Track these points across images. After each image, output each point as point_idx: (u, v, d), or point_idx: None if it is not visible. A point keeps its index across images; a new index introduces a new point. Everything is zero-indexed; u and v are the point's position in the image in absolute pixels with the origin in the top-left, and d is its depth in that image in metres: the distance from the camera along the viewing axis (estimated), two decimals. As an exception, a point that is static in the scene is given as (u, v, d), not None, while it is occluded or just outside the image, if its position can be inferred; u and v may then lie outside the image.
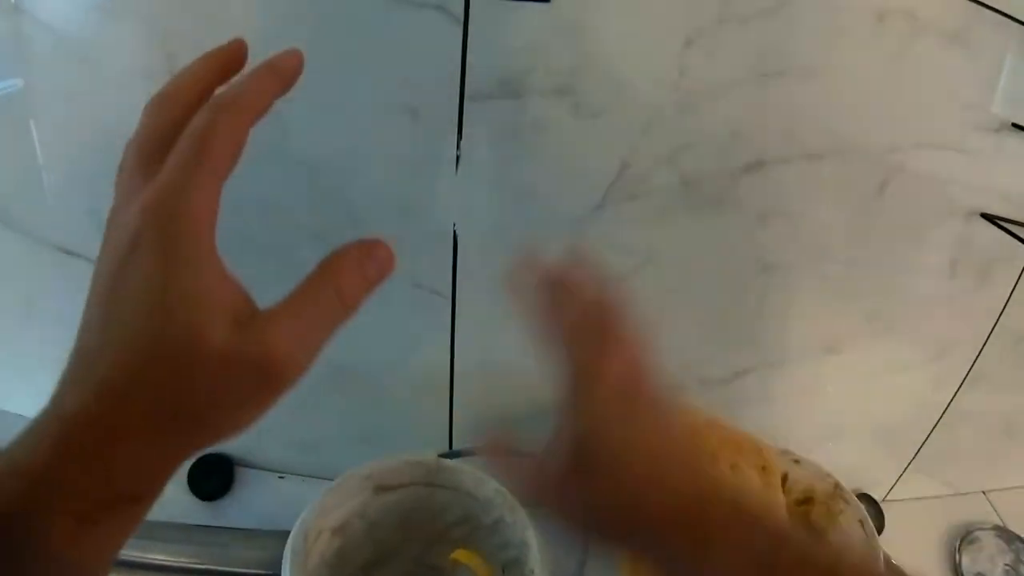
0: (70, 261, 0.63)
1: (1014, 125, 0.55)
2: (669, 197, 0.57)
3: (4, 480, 0.20)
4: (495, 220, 0.59)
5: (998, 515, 0.79)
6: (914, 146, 0.57)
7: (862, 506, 0.64)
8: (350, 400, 0.70)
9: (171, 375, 0.21)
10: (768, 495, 0.58)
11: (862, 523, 0.63)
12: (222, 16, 0.50)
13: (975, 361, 0.71)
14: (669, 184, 0.56)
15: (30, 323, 0.68)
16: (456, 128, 0.54)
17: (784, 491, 0.63)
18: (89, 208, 0.61)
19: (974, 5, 0.51)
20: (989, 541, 0.74)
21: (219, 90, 0.27)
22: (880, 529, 0.74)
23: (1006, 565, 0.72)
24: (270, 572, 0.60)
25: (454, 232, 0.59)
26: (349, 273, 0.25)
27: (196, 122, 0.23)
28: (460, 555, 0.53)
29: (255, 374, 0.22)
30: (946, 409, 0.74)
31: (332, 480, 0.56)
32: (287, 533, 0.53)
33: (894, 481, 0.79)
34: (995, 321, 0.68)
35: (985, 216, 0.60)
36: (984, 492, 0.82)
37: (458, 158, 0.55)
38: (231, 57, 0.28)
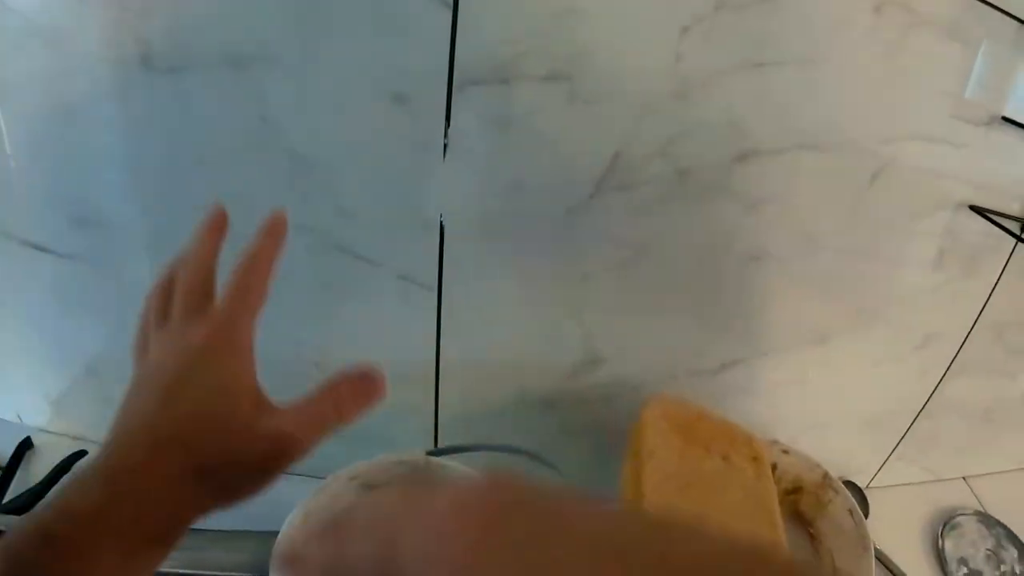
0: (39, 256, 0.60)
1: (1004, 119, 0.55)
2: (662, 187, 0.56)
3: (63, 520, 0.26)
4: (484, 210, 0.57)
5: (978, 500, 0.80)
6: (906, 138, 0.57)
7: (851, 495, 0.64)
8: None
9: (210, 440, 0.30)
10: (760, 485, 0.58)
11: (851, 512, 0.63)
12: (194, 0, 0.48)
13: (959, 351, 0.71)
14: (662, 174, 0.55)
15: (-5, 319, 0.65)
16: (444, 115, 0.52)
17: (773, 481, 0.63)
18: (58, 200, 0.58)
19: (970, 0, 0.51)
20: (971, 526, 0.75)
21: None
22: (865, 515, 0.74)
23: (987, 550, 0.73)
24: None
25: (441, 223, 0.57)
26: (346, 394, 0.33)
27: (234, 278, 0.35)
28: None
29: (269, 445, 0.30)
30: (930, 398, 0.74)
31: (314, 477, 0.54)
32: (268, 534, 0.51)
33: (878, 468, 0.80)
34: (979, 311, 0.68)
35: (973, 208, 0.60)
36: (964, 478, 0.83)
37: (446, 146, 0.53)
38: (218, 222, 0.39)
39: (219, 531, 0.59)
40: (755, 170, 0.56)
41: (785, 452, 0.68)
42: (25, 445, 0.70)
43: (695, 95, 0.52)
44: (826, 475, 0.66)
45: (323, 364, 0.65)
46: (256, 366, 0.34)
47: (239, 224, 0.58)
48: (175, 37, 0.49)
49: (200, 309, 0.34)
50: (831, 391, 0.73)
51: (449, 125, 0.52)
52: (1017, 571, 0.71)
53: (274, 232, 0.38)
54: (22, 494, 0.63)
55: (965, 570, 0.71)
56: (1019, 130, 0.57)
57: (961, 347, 0.71)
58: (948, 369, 0.72)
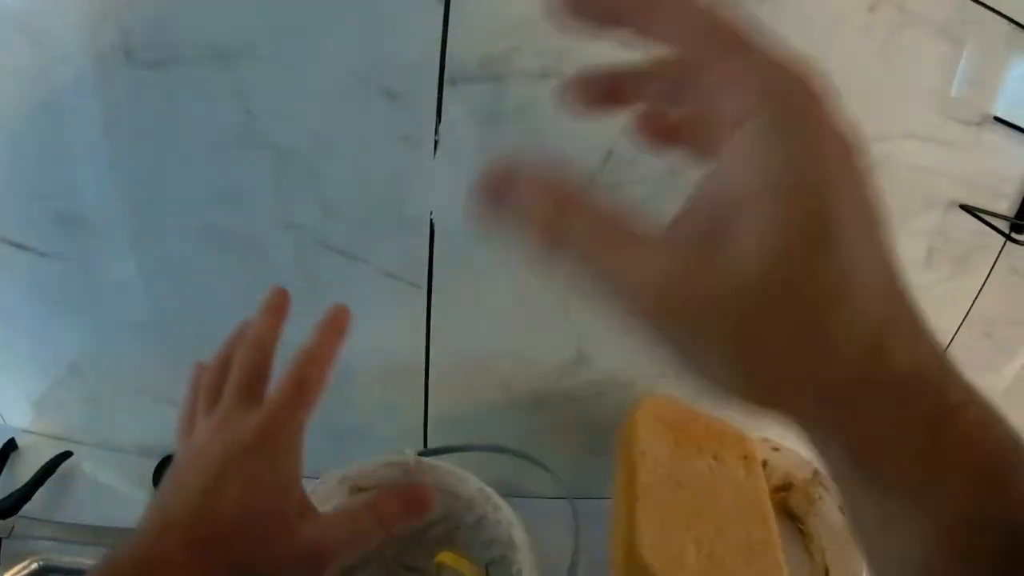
0: (19, 255, 0.58)
1: (996, 119, 0.55)
2: (654, 185, 0.56)
3: None
4: (474, 208, 0.57)
5: None
6: (899, 136, 0.56)
7: (840, 493, 0.65)
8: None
9: (249, 541, 0.29)
10: (751, 484, 0.58)
11: (841, 509, 0.63)
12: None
13: (947, 347, 0.72)
14: (655, 172, 0.55)
15: (-28, 318, 0.64)
16: (435, 111, 0.51)
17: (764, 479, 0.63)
18: (39, 197, 0.56)
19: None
20: (956, 522, 0.76)
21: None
22: (852, 513, 0.75)
23: (973, 545, 0.73)
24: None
25: (431, 221, 0.56)
26: (393, 510, 0.33)
27: (293, 369, 0.34)
28: (445, 558, 0.52)
29: (307, 551, 0.30)
30: (918, 395, 0.75)
31: (304, 477, 0.54)
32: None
33: (865, 465, 0.81)
34: (968, 309, 0.69)
35: (964, 207, 0.60)
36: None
37: (436, 143, 0.52)
38: (279, 304, 0.38)
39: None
40: (747, 168, 0.56)
41: (775, 449, 0.68)
42: (9, 446, 0.68)
43: (688, 93, 0.51)
44: (816, 472, 0.66)
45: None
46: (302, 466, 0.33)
47: (224, 222, 0.57)
48: (158, 30, 0.48)
49: (253, 397, 0.34)
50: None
51: (440, 121, 0.51)
52: (1003, 566, 0.72)
53: (337, 325, 0.37)
54: (8, 496, 0.62)
55: (951, 565, 0.71)
56: (1009, 129, 0.57)
57: (949, 344, 0.71)
58: (936, 366, 0.73)
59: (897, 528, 0.20)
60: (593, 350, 0.65)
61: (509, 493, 0.56)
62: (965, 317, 0.69)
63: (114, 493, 0.67)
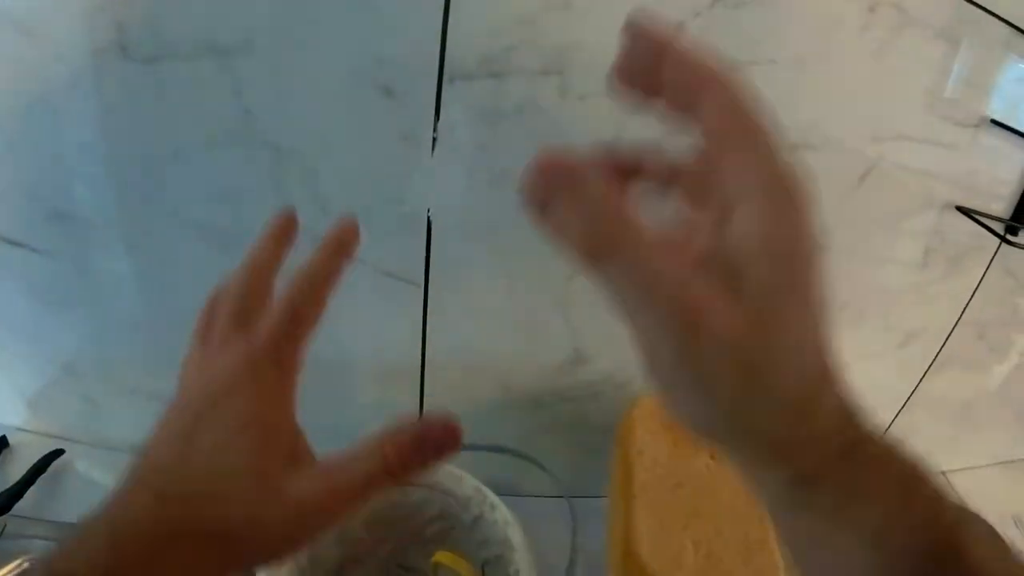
0: (14, 251, 0.58)
1: (993, 121, 0.56)
2: (652, 184, 0.56)
3: None
4: (472, 206, 0.56)
5: (956, 495, 0.82)
6: (896, 138, 0.57)
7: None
8: (313, 392, 0.67)
9: (225, 500, 0.25)
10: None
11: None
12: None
13: (940, 349, 0.72)
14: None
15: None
16: (434, 109, 0.51)
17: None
18: (33, 194, 0.56)
19: (960, 2, 0.51)
20: (949, 521, 0.76)
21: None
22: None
23: (966, 544, 0.74)
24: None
25: (428, 219, 0.56)
26: (408, 452, 0.26)
27: (288, 293, 0.29)
28: (443, 557, 0.51)
29: (296, 512, 0.25)
30: (911, 395, 0.75)
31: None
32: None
33: (859, 464, 0.81)
34: (962, 310, 0.69)
35: (960, 209, 0.61)
36: (943, 473, 0.84)
37: (435, 140, 0.52)
38: (285, 227, 0.33)
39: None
40: (746, 168, 0.56)
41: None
42: (1, 444, 0.68)
43: (688, 92, 0.51)
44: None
45: (306, 363, 0.63)
46: (297, 406, 0.28)
47: (220, 220, 0.57)
48: (155, 26, 0.48)
49: (243, 329, 0.29)
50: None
51: (439, 119, 0.51)
52: (995, 565, 0.72)
53: (342, 242, 0.32)
54: (0, 494, 0.61)
55: (944, 564, 0.72)
56: (1005, 132, 0.57)
57: (943, 345, 0.72)
58: (929, 367, 0.73)
59: (826, 547, 0.23)
60: (591, 350, 0.65)
61: (506, 492, 0.56)
62: (960, 318, 0.70)
63: (107, 491, 0.66)
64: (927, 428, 0.80)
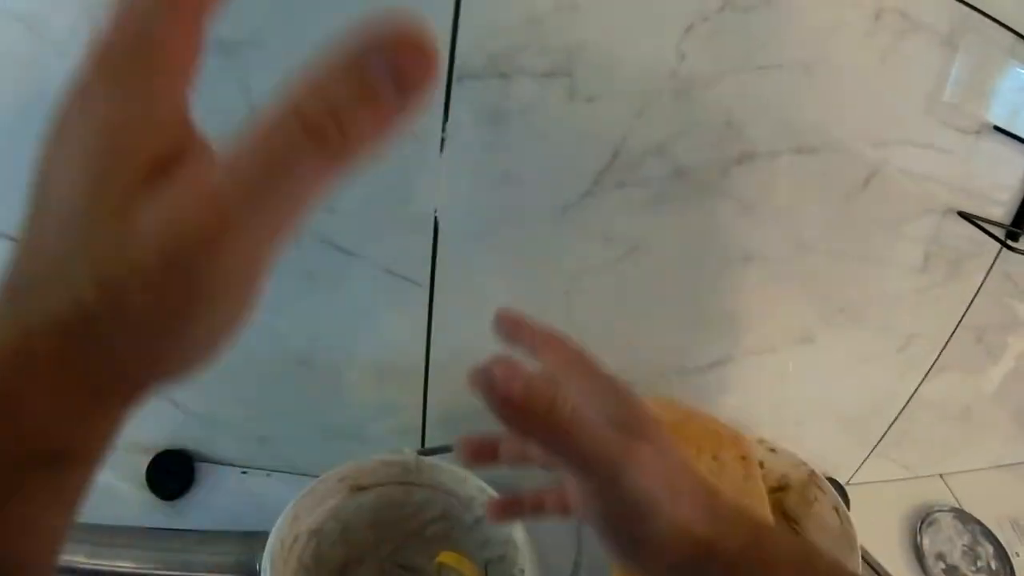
0: (9, 249, 0.57)
1: (996, 128, 0.56)
2: (659, 186, 0.56)
3: None
4: (478, 206, 0.56)
5: (954, 497, 0.82)
6: (898, 143, 0.57)
7: (836, 494, 0.65)
8: (316, 392, 0.67)
9: (75, 252, 0.16)
10: (749, 485, 0.58)
11: (836, 510, 0.64)
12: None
13: (940, 353, 0.73)
14: (660, 173, 0.55)
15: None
16: (443, 108, 0.51)
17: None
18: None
19: (964, 8, 0.51)
20: (947, 523, 0.77)
21: None
22: (846, 513, 0.76)
23: (964, 546, 0.74)
24: (236, 576, 0.57)
25: (435, 218, 0.56)
26: (325, 85, 0.15)
27: None
28: (446, 558, 0.51)
29: (155, 245, 0.16)
30: (911, 398, 0.76)
31: (298, 474, 0.53)
32: (251, 534, 0.50)
33: (858, 465, 0.82)
34: (962, 314, 0.70)
35: (961, 214, 0.61)
36: (941, 475, 0.85)
37: (443, 140, 0.52)
38: None
39: (206, 532, 0.58)
40: (752, 172, 0.56)
41: (772, 450, 0.68)
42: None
43: (695, 95, 0.52)
44: (812, 473, 0.67)
45: (308, 361, 0.63)
46: (193, 90, 0.18)
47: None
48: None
49: (112, 79, 0.18)
50: (815, 390, 0.74)
51: (447, 119, 0.51)
52: (993, 567, 0.73)
53: None
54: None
55: (943, 565, 0.72)
56: (1006, 138, 0.58)
57: (943, 349, 0.72)
58: (929, 371, 0.74)
59: None
60: (593, 350, 0.65)
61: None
62: (960, 322, 0.70)
63: (106, 490, 0.65)
64: (926, 431, 0.80)
